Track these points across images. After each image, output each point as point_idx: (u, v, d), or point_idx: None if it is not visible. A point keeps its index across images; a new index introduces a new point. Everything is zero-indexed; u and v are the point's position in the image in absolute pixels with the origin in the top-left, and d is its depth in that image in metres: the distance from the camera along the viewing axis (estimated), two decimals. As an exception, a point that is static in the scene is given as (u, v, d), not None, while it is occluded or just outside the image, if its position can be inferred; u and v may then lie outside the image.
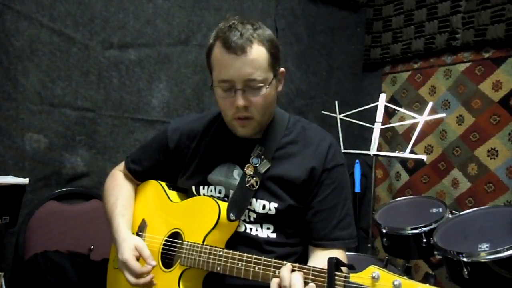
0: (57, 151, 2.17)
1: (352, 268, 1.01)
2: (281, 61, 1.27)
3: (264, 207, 1.28)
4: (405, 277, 0.90)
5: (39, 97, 2.12)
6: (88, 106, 2.25)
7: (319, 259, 1.21)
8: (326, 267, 1.00)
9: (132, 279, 1.23)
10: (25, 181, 1.85)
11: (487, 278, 1.60)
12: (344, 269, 1.01)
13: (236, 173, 1.32)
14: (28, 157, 2.09)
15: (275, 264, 1.09)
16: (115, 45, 2.32)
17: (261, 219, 1.28)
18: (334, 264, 0.98)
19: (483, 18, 2.61)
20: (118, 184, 1.50)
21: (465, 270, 1.61)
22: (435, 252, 1.80)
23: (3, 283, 1.77)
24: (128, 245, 1.27)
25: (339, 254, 1.25)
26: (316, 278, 1.02)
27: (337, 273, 0.98)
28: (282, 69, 1.30)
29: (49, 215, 2.10)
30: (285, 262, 1.07)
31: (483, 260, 1.58)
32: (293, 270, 1.04)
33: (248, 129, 1.27)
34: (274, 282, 1.04)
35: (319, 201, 1.28)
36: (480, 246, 1.63)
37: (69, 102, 2.20)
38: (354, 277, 0.96)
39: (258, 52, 1.18)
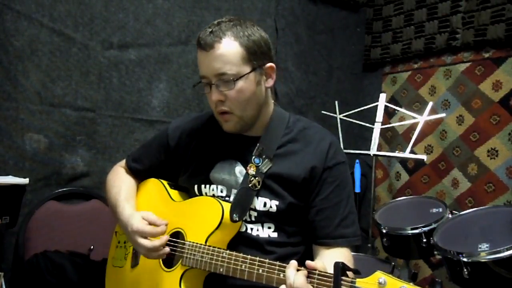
0: (57, 151, 2.17)
1: (357, 272, 1.00)
2: (267, 56, 1.27)
3: (265, 204, 1.28)
4: (411, 283, 0.90)
5: (39, 97, 2.12)
6: (88, 106, 2.25)
7: (324, 257, 1.21)
8: (331, 271, 0.98)
9: (148, 243, 1.22)
10: (25, 181, 1.85)
11: (487, 278, 1.60)
12: (349, 273, 1.00)
13: (238, 170, 1.32)
14: (28, 157, 2.09)
15: (279, 268, 1.09)
16: (115, 45, 2.32)
17: (262, 217, 1.28)
18: (341, 268, 0.97)
19: (483, 18, 2.61)
20: (120, 178, 1.51)
21: (465, 270, 1.61)
22: (435, 252, 1.80)
23: (3, 283, 1.77)
24: (136, 217, 1.28)
25: (344, 252, 1.25)
26: (322, 282, 1.01)
27: (343, 278, 0.97)
28: (270, 64, 1.29)
29: (49, 215, 2.10)
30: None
31: (483, 260, 1.58)
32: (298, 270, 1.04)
33: (230, 124, 1.28)
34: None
35: (322, 199, 1.28)
36: (480, 246, 1.63)
37: (69, 102, 2.20)
38: (360, 283, 0.95)
39: (227, 47, 1.20)
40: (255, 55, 1.24)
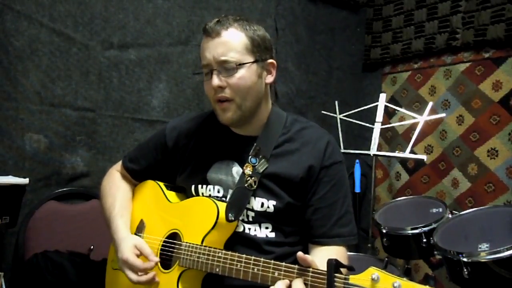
0: (57, 151, 2.17)
1: (351, 269, 1.01)
2: (269, 53, 1.31)
3: (262, 205, 1.28)
4: (404, 279, 0.90)
5: (39, 97, 2.12)
6: (88, 106, 2.25)
7: (320, 256, 1.21)
8: (325, 268, 0.99)
9: (134, 276, 1.23)
10: (25, 181, 1.85)
11: (487, 278, 1.60)
12: (343, 270, 1.01)
13: (235, 171, 1.32)
14: (28, 157, 2.09)
15: (274, 266, 1.09)
16: (115, 45, 2.32)
17: (260, 217, 1.28)
18: (334, 265, 0.97)
19: (483, 18, 2.61)
20: (115, 184, 1.50)
21: (465, 270, 1.61)
22: (435, 252, 1.80)
23: (3, 283, 1.77)
24: (127, 244, 1.28)
25: (340, 251, 1.25)
26: (316, 279, 1.02)
27: (336, 274, 0.97)
28: (271, 60, 1.32)
29: (49, 215, 2.10)
30: (284, 264, 1.07)
31: (483, 260, 1.58)
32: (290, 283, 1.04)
33: (228, 114, 1.27)
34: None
35: (318, 199, 1.28)
36: (480, 246, 1.63)
37: (69, 102, 2.20)
38: (353, 279, 0.95)
39: (232, 35, 1.23)
40: (259, 48, 1.27)
